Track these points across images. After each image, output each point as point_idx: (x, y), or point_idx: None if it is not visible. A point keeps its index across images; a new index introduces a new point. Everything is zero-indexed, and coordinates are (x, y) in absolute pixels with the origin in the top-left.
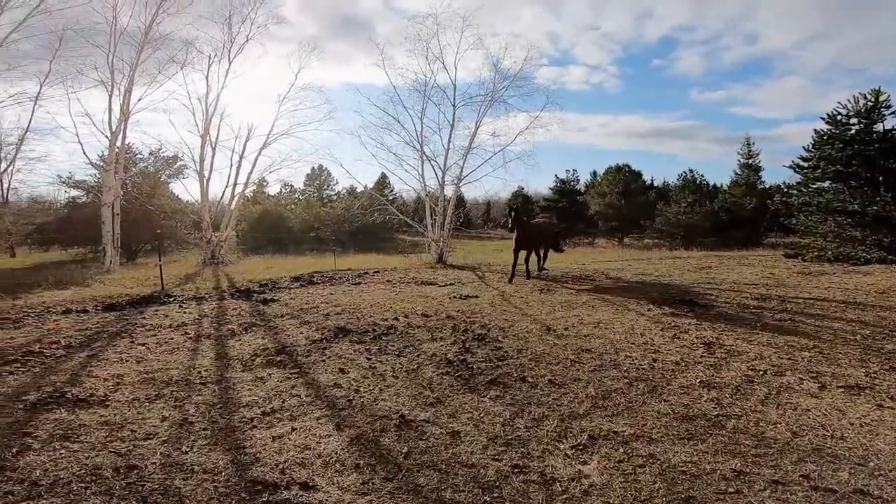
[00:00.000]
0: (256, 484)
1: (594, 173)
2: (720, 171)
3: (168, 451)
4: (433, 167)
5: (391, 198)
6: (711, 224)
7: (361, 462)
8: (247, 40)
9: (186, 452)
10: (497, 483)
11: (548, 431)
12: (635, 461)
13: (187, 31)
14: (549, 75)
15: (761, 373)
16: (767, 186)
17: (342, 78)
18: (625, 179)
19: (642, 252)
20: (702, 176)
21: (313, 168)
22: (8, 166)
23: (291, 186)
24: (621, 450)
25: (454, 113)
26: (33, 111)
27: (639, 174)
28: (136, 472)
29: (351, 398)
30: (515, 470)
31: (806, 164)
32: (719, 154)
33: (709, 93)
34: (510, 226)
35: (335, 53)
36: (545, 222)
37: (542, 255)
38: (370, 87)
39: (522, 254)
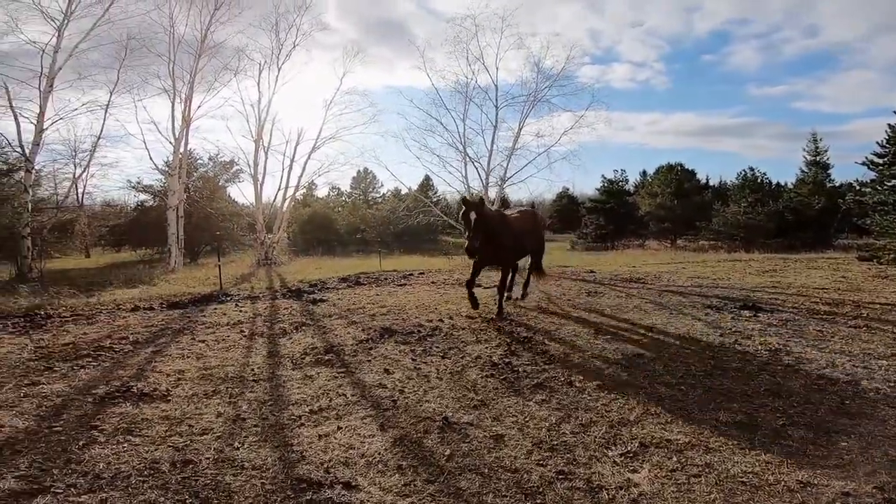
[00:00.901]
0: (301, 482)
1: (644, 173)
2: (783, 170)
3: (221, 447)
4: (476, 168)
5: (435, 199)
6: (775, 225)
7: (404, 463)
8: (293, 47)
9: (238, 448)
10: (541, 489)
11: (595, 437)
12: (690, 470)
13: (238, 39)
14: (592, 74)
15: (832, 382)
16: (837, 185)
17: (384, 81)
18: (678, 179)
19: (697, 254)
20: (763, 174)
21: (359, 171)
22: (82, 172)
23: (339, 189)
24: (675, 458)
25: (497, 114)
26: (104, 119)
27: (692, 173)
28: (190, 466)
29: (395, 398)
30: (560, 476)
31: (880, 161)
32: (781, 151)
33: (767, 88)
34: (465, 230)
35: (376, 57)
36: (523, 216)
37: (515, 272)
38: (412, 90)
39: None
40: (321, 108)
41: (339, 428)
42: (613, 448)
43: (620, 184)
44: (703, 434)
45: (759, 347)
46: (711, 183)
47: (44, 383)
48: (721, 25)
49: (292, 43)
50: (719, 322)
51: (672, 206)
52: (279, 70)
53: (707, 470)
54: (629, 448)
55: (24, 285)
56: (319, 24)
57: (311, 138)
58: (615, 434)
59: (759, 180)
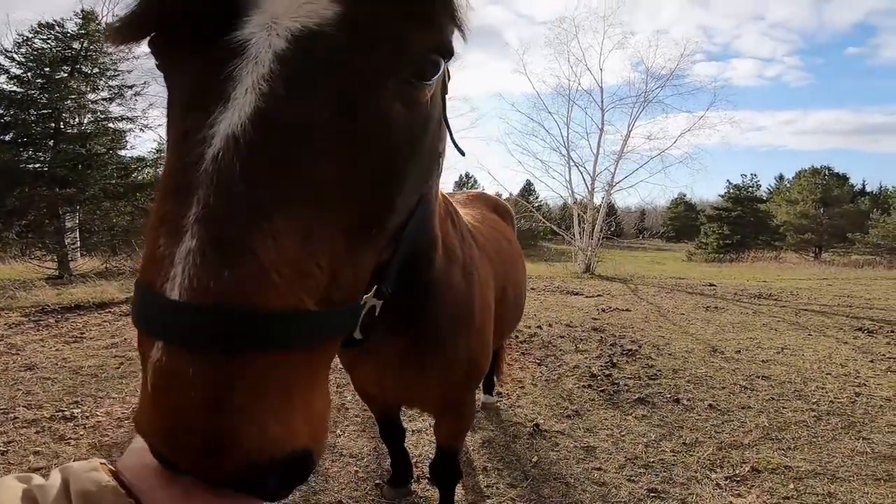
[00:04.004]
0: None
1: (780, 177)
2: None
3: None
4: (581, 173)
5: (537, 205)
6: None
7: (489, 465)
8: None
9: (339, 436)
10: None
11: (699, 458)
12: (807, 499)
13: None
14: (708, 71)
15: None
16: None
17: (483, 87)
18: (824, 184)
19: (848, 270)
20: None
21: (461, 175)
22: None
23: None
24: (791, 485)
25: (602, 116)
26: None
27: (843, 177)
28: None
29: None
30: (652, 494)
31: None
32: None
33: None
34: None
35: (472, 62)
36: (485, 214)
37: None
38: (510, 94)
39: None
40: None
41: (431, 425)
42: (718, 470)
43: (750, 190)
44: (832, 463)
45: None
46: (868, 189)
47: None
48: (865, 17)
49: None
50: (871, 347)
51: (816, 214)
52: None
53: (828, 499)
54: (737, 472)
55: None
56: None
57: None
58: (723, 457)
59: None
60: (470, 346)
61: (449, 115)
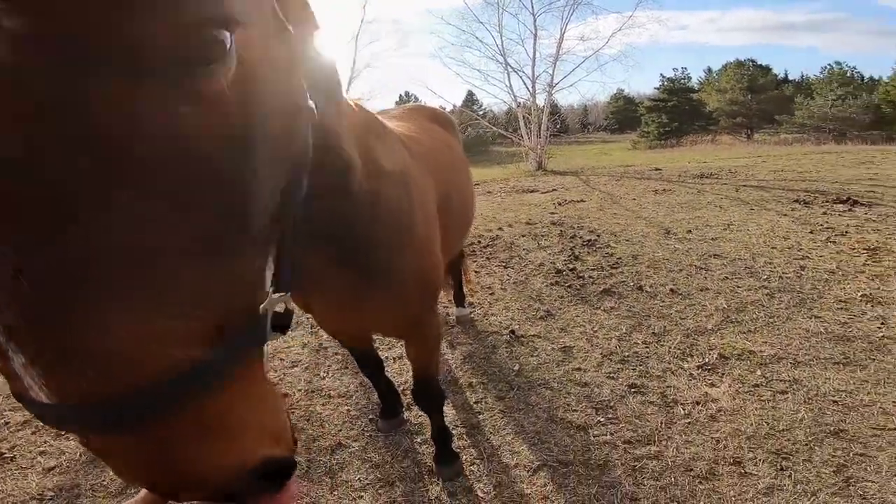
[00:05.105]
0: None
1: (709, 70)
2: (875, 65)
3: (310, 378)
4: (521, 77)
5: (481, 113)
6: (870, 117)
7: (474, 381)
8: None
9: (324, 378)
10: (612, 403)
11: (670, 348)
12: (775, 386)
13: None
14: None
15: None
16: None
17: (411, 5)
18: (750, 74)
19: (780, 147)
20: (853, 68)
21: (400, 95)
22: None
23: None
24: (758, 372)
25: (535, 21)
26: None
27: (767, 68)
28: (287, 399)
29: None
30: (633, 390)
31: None
32: (871, 48)
33: None
34: None
35: None
36: (421, 125)
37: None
38: (439, 10)
39: None
40: (350, 40)
41: None
42: (689, 360)
43: (683, 81)
44: (791, 346)
45: (856, 245)
46: (791, 78)
47: None
48: None
49: None
50: (808, 217)
51: (745, 101)
52: None
53: (794, 386)
54: (707, 360)
55: None
56: None
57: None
58: (691, 344)
59: (848, 74)
60: (416, 259)
61: (376, 37)
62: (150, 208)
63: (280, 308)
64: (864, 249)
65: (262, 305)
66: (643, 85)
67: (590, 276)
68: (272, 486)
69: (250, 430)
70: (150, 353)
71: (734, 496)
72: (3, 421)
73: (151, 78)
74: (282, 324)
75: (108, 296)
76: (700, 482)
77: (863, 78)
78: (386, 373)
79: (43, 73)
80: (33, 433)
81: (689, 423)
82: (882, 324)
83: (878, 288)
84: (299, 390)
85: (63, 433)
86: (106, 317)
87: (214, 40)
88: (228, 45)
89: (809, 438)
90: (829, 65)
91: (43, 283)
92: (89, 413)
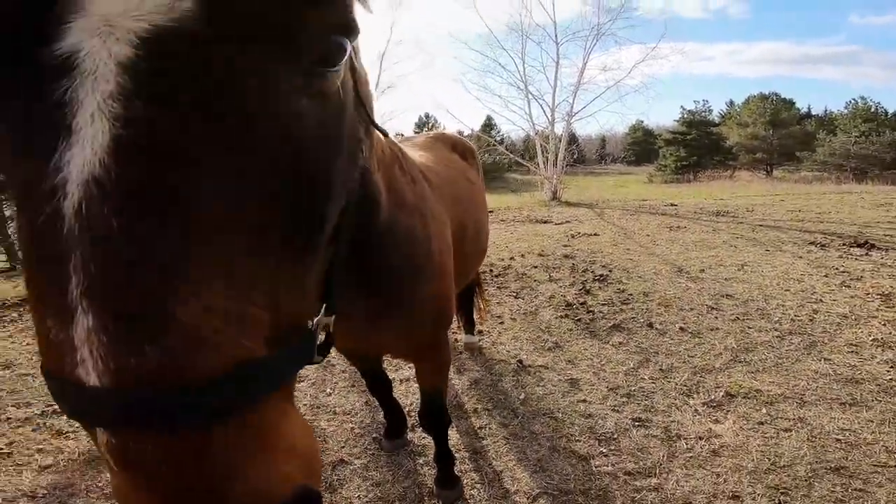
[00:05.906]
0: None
1: (731, 102)
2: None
3: (315, 394)
4: (540, 105)
5: (499, 138)
6: (892, 155)
7: (479, 406)
8: None
9: (329, 394)
10: (615, 435)
11: (676, 385)
12: (780, 424)
13: None
14: (657, 6)
15: None
16: None
17: (435, 29)
18: (772, 108)
19: (799, 186)
20: (878, 104)
21: (420, 116)
22: None
23: (402, 135)
24: (763, 410)
25: (557, 50)
26: None
27: (790, 102)
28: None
29: None
30: (636, 423)
31: None
32: (890, 80)
33: (872, 17)
34: None
35: (421, 3)
36: (441, 156)
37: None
38: (464, 33)
39: None
40: (375, 59)
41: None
42: (696, 396)
43: (703, 114)
44: (799, 386)
45: (871, 291)
46: (814, 112)
47: None
48: None
49: None
50: (824, 261)
51: (766, 135)
52: None
53: (799, 424)
54: (713, 397)
55: None
56: None
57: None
58: (698, 381)
59: (872, 109)
60: (431, 287)
61: (401, 59)
62: (253, 185)
63: (322, 334)
64: (879, 294)
65: (314, 320)
66: (663, 117)
67: (600, 311)
68: None
69: (293, 455)
70: (224, 336)
71: None
72: (4, 416)
73: (307, 75)
74: (321, 351)
75: (198, 267)
76: None
77: (886, 113)
78: (393, 394)
79: (236, 69)
80: (33, 430)
81: (690, 457)
82: (892, 367)
83: (891, 333)
84: (304, 405)
85: (62, 434)
86: (194, 287)
87: (340, 46)
88: (348, 52)
89: (810, 474)
90: (854, 99)
91: (143, 242)
92: (139, 401)
